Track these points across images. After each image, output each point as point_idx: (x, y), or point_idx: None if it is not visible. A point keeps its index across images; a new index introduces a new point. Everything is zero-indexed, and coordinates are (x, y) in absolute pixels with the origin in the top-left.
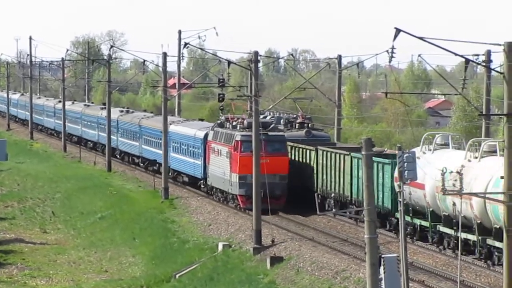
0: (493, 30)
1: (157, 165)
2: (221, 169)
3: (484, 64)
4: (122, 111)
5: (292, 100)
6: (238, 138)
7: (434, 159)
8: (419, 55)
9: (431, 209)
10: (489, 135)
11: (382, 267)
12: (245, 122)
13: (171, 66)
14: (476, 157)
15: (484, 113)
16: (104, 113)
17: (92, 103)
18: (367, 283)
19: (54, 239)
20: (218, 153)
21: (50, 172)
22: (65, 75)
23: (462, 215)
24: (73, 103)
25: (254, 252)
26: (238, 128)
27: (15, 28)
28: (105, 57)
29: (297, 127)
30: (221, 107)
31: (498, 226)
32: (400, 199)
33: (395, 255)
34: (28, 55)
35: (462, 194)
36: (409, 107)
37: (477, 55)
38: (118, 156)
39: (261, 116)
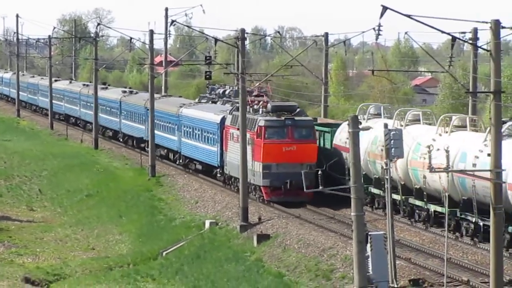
0: (480, 8)
1: (166, 151)
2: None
3: (470, 41)
4: (125, 92)
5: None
6: (262, 123)
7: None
8: (406, 33)
9: (363, 173)
10: (475, 113)
11: (369, 245)
12: (269, 105)
13: (158, 44)
14: (402, 125)
15: (470, 90)
16: (105, 93)
17: (91, 82)
18: (354, 260)
19: (41, 217)
20: (238, 139)
21: (37, 150)
22: (52, 53)
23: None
24: (70, 82)
25: (240, 229)
26: (260, 112)
27: (2, 6)
28: (92, 35)
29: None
30: (208, 85)
31: (418, 187)
32: (387, 177)
33: (381, 232)
34: (14, 32)
35: (450, 171)
36: (396, 85)
37: (464, 32)
38: (121, 140)
39: (221, 90)
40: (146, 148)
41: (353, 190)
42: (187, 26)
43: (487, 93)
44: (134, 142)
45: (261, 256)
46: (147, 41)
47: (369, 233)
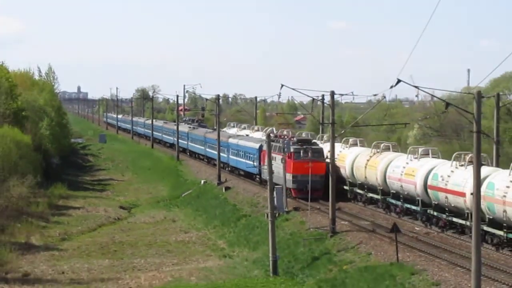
0: (326, 80)
1: (213, 161)
2: (276, 170)
3: (321, 100)
4: (190, 127)
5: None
6: (292, 150)
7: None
8: (292, 96)
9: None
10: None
11: (275, 191)
12: (295, 139)
13: (180, 100)
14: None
15: (321, 122)
16: (180, 127)
17: (174, 121)
18: (268, 198)
19: (127, 179)
20: (273, 159)
21: (126, 148)
22: (132, 105)
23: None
24: (165, 122)
25: (217, 184)
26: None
27: (109, 82)
28: (151, 97)
29: (196, 122)
30: (202, 120)
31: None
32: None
33: (281, 186)
34: (116, 96)
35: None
36: (287, 121)
37: (318, 96)
38: (188, 154)
39: (186, 119)
40: (204, 160)
41: (268, 170)
42: (193, 93)
43: (329, 124)
44: (197, 156)
45: (226, 197)
46: (175, 100)
47: (276, 186)
